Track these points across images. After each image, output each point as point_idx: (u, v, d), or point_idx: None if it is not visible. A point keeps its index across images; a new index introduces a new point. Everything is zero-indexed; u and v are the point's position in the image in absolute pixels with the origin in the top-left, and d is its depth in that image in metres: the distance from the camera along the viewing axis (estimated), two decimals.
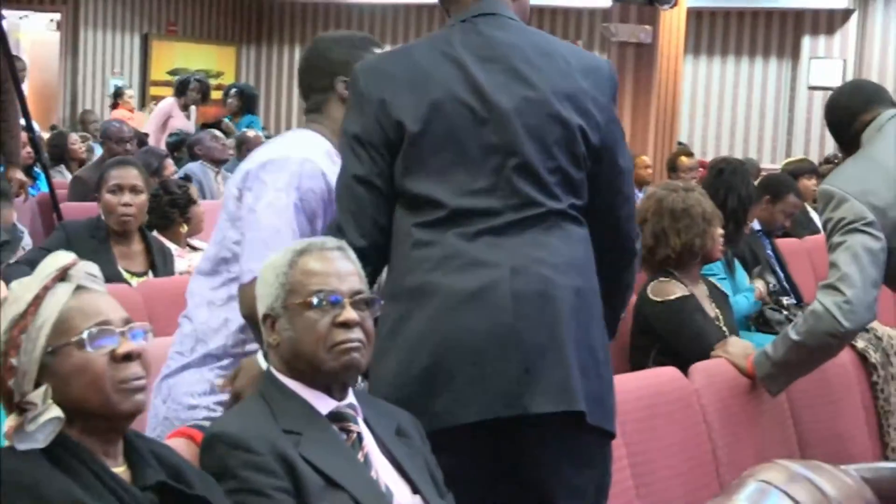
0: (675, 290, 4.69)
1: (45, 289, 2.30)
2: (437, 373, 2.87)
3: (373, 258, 2.98)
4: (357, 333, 2.72)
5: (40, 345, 2.27)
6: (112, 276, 5.09)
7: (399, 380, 2.91)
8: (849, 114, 4.17)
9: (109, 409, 2.29)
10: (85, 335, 2.28)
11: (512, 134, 2.93)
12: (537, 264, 2.90)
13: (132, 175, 5.49)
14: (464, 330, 2.86)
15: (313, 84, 3.36)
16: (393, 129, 2.95)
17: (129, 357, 2.30)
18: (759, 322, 6.16)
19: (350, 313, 2.71)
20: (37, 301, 2.29)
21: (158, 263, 5.50)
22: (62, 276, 2.33)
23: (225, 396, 3.08)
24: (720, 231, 4.89)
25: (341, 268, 2.77)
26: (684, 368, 4.18)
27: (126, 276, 5.38)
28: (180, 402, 3.19)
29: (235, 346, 3.24)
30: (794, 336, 3.92)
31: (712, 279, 5.28)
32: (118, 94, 14.21)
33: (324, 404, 2.72)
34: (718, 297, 4.99)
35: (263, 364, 2.89)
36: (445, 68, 2.97)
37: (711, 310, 4.83)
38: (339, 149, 3.07)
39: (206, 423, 2.76)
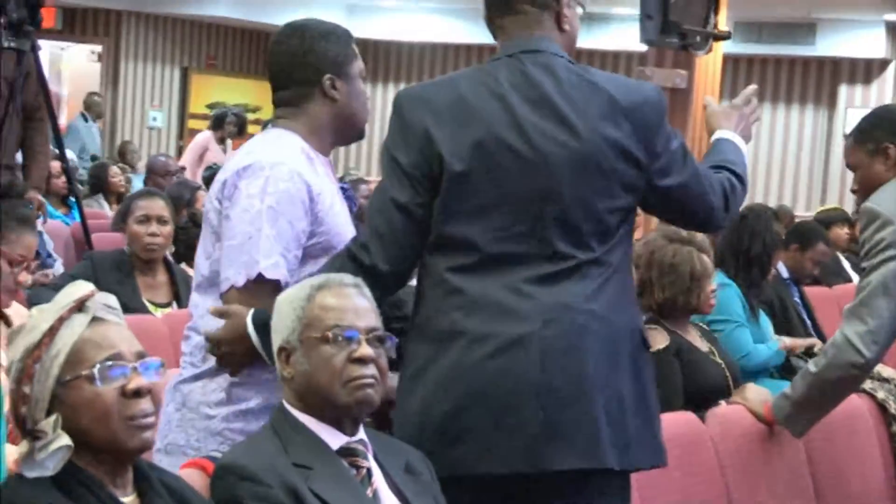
0: (658, 340, 4.74)
1: (61, 319, 2.33)
2: (458, 420, 2.88)
3: (391, 285, 3.00)
4: (372, 370, 2.75)
5: (53, 375, 2.30)
6: (137, 308, 5.15)
7: (421, 421, 2.93)
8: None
9: (116, 444, 2.32)
10: (96, 369, 2.30)
11: (552, 182, 2.90)
12: (567, 316, 2.88)
13: (159, 206, 5.57)
14: (489, 382, 2.86)
15: (295, 76, 3.22)
16: (436, 163, 2.92)
17: (138, 393, 2.32)
18: (784, 371, 6.16)
19: (366, 349, 2.75)
20: (52, 331, 2.32)
21: (182, 294, 5.55)
22: (79, 306, 2.35)
23: (241, 406, 3.07)
24: (712, 287, 4.91)
25: (358, 304, 2.81)
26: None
27: (151, 307, 5.43)
28: (197, 411, 3.15)
29: None
30: (813, 369, 3.89)
31: (716, 328, 5.32)
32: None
33: (335, 439, 2.75)
34: (710, 338, 5.04)
35: (251, 329, 2.91)
36: (491, 106, 2.93)
37: (704, 345, 4.88)
38: (381, 167, 3.03)
39: (219, 454, 2.78)
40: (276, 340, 2.81)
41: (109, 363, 2.31)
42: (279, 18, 17.47)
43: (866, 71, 16.02)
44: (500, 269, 2.90)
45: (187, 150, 13.17)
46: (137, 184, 10.63)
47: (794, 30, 15.77)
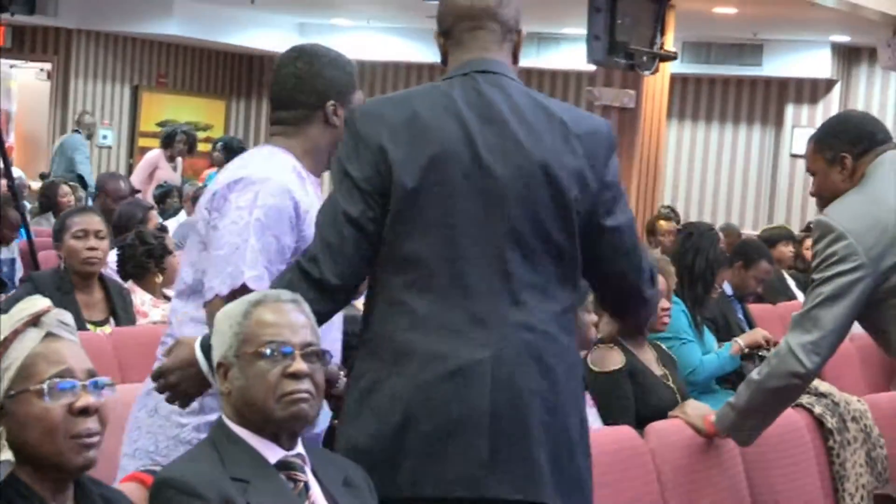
0: (614, 360, 4.83)
1: (16, 332, 2.34)
2: (405, 440, 2.88)
3: (341, 300, 3.00)
4: (306, 385, 2.78)
5: (2, 387, 2.30)
6: (78, 327, 5.15)
7: (369, 439, 2.92)
8: (858, 134, 3.96)
9: (60, 460, 2.33)
10: (45, 385, 2.31)
11: (506, 201, 2.90)
12: (522, 339, 2.89)
13: (96, 221, 5.63)
14: (439, 405, 2.86)
15: (298, 98, 3.28)
16: (389, 178, 2.89)
17: (86, 411, 2.34)
18: (739, 378, 6.21)
19: (300, 364, 2.78)
20: (5, 343, 2.32)
21: (119, 310, 5.57)
22: (34, 321, 2.36)
23: (211, 416, 3.06)
24: (665, 305, 4.98)
25: (294, 320, 2.83)
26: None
27: (89, 326, 5.44)
28: (168, 418, 3.17)
29: None
30: (755, 377, 3.91)
31: (663, 345, 5.38)
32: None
33: (272, 453, 2.77)
34: (667, 360, 5.12)
35: (199, 354, 2.92)
36: (446, 124, 2.92)
37: (659, 369, 4.96)
38: (332, 179, 3.01)
39: (158, 468, 2.81)
40: (215, 356, 2.84)
41: (58, 379, 2.32)
42: (230, 37, 17.53)
43: (812, 91, 16.19)
44: (452, 288, 2.89)
45: (137, 167, 13.16)
46: (89, 201, 10.62)
47: (741, 50, 15.93)
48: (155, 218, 8.17)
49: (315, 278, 2.91)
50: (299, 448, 2.82)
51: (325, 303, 2.93)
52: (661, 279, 4.81)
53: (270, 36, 17.91)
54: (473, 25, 3.04)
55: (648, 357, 4.98)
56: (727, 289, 7.20)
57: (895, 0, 11.69)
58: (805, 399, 4.79)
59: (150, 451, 3.17)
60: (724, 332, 6.72)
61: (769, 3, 12.24)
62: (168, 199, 10.75)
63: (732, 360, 6.10)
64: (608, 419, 4.72)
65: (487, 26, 3.04)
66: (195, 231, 3.27)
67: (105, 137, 17.38)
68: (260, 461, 2.75)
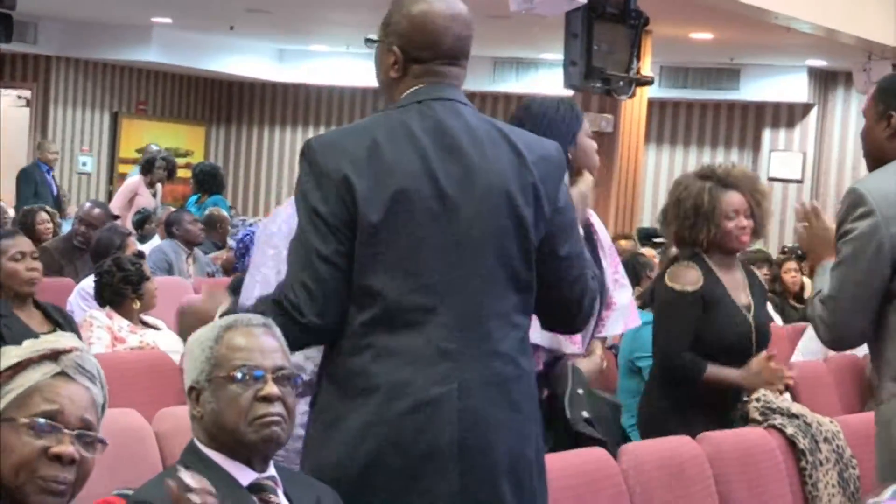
0: (689, 279, 4.86)
1: (30, 361, 2.34)
2: (372, 476, 2.87)
3: (326, 337, 2.97)
4: (278, 408, 2.81)
5: None
6: (30, 336, 5.13)
7: (335, 475, 2.90)
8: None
9: (23, 498, 2.31)
10: (30, 419, 2.30)
11: (467, 230, 2.90)
12: (487, 370, 2.89)
13: (27, 242, 5.69)
14: (405, 439, 2.84)
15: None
16: (355, 211, 2.86)
17: (59, 458, 2.32)
18: None
19: (272, 388, 2.80)
20: (17, 367, 2.32)
21: (59, 321, 5.57)
22: (54, 356, 2.36)
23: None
24: (738, 223, 4.88)
25: (265, 344, 2.86)
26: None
27: (40, 336, 5.43)
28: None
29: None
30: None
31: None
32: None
33: (244, 476, 2.79)
34: (758, 289, 5.08)
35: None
36: (408, 157, 2.89)
37: (745, 297, 4.96)
38: (298, 214, 2.96)
39: (130, 492, 2.83)
40: (187, 381, 2.86)
41: (43, 419, 2.31)
42: (209, 63, 17.58)
43: (790, 115, 16.30)
44: (417, 321, 2.87)
45: (117, 193, 13.15)
46: (67, 228, 10.61)
47: (718, 75, 16.03)
48: (133, 244, 8.18)
49: (302, 323, 2.90)
50: (271, 470, 2.85)
51: (317, 341, 2.98)
52: (691, 202, 4.87)
53: (249, 62, 17.97)
54: (450, 62, 3.03)
55: (736, 282, 4.96)
56: None
57: (870, 25, 11.78)
58: (777, 420, 4.83)
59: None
60: None
61: (746, 28, 12.32)
62: (146, 224, 10.77)
63: None
64: (664, 337, 4.87)
65: (461, 63, 3.05)
66: (273, 247, 3.31)
67: (84, 164, 17.40)
68: (232, 484, 2.77)
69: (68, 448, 2.33)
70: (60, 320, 5.59)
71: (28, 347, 2.36)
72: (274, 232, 3.50)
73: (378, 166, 2.88)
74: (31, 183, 13.51)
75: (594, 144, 4.09)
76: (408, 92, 3.02)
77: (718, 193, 4.87)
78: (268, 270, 3.42)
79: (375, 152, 2.90)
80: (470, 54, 3.07)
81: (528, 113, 4.10)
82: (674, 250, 5.08)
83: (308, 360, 3.25)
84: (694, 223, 4.88)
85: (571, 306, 3.11)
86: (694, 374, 4.79)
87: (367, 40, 3.15)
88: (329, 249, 2.88)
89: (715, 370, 4.80)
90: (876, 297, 3.62)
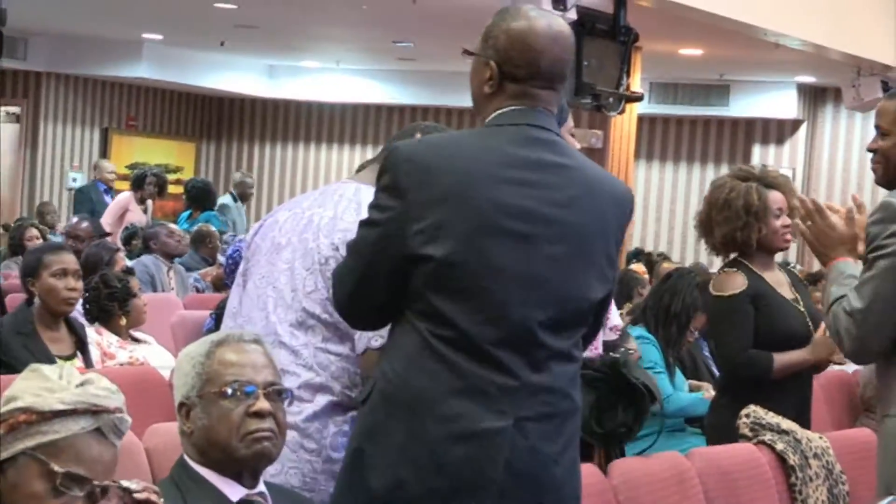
0: (735, 283, 4.91)
1: (74, 412, 2.28)
2: (410, 494, 2.80)
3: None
4: (269, 423, 2.81)
5: (26, 444, 2.26)
6: (47, 361, 5.16)
7: (375, 486, 2.81)
8: None
9: None
10: (59, 481, 2.24)
11: (545, 273, 2.85)
12: (540, 410, 2.84)
13: (73, 260, 5.63)
14: (450, 465, 2.78)
15: None
16: (419, 244, 2.80)
17: None
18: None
19: (263, 403, 2.81)
20: (58, 415, 2.27)
21: (82, 339, 5.58)
22: (95, 411, 2.30)
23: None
24: (782, 222, 4.93)
25: (257, 360, 2.87)
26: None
27: (58, 360, 5.45)
28: (319, 454, 3.23)
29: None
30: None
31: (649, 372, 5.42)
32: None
33: (234, 492, 2.80)
34: (799, 285, 5.15)
35: None
36: (491, 187, 2.82)
37: (790, 293, 5.01)
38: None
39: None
40: (177, 396, 2.87)
41: (69, 484, 2.25)
42: (199, 79, 17.59)
43: (779, 131, 16.34)
44: (479, 353, 2.80)
45: (108, 210, 13.15)
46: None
47: (708, 91, 16.07)
48: (122, 260, 8.16)
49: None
50: (261, 486, 2.85)
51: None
52: (740, 202, 4.90)
53: (240, 78, 17.98)
54: (547, 85, 2.93)
55: (779, 279, 5.00)
56: None
57: (859, 41, 11.82)
58: (767, 436, 4.83)
59: (296, 486, 3.16)
60: (692, 371, 6.78)
61: (735, 44, 12.36)
62: (133, 240, 10.74)
63: (703, 402, 6.13)
64: (724, 343, 4.93)
65: (557, 87, 2.96)
66: (319, 263, 3.28)
67: (74, 180, 17.38)
68: (222, 500, 2.78)
69: None
70: (83, 338, 5.58)
71: (80, 395, 2.29)
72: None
73: (460, 196, 2.81)
74: (87, 202, 13.51)
75: (576, 144, 4.12)
76: (501, 111, 2.94)
77: (764, 192, 4.93)
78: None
79: (461, 180, 2.82)
80: (566, 78, 2.99)
81: None
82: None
83: (335, 381, 3.24)
84: (746, 223, 4.91)
85: (594, 336, 3.23)
86: (764, 367, 4.85)
87: (465, 52, 3.04)
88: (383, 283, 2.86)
89: (781, 357, 4.88)
90: None
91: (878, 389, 3.86)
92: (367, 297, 2.88)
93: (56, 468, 2.24)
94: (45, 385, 2.29)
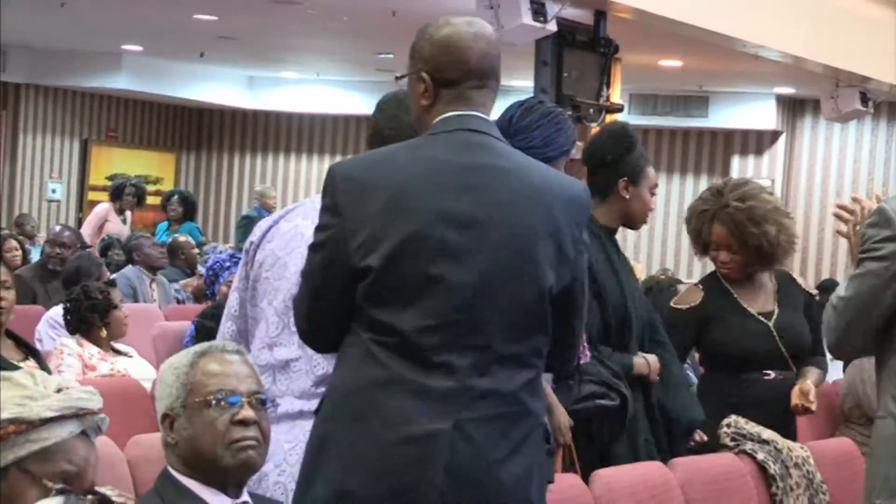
0: (689, 299, 5.09)
1: (62, 418, 2.33)
2: (357, 500, 2.81)
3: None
4: (254, 432, 2.83)
5: (17, 453, 2.30)
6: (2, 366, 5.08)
7: (326, 496, 2.84)
8: None
9: None
10: (54, 485, 2.30)
11: (485, 276, 2.83)
12: (485, 414, 2.83)
13: (1, 271, 5.49)
14: (392, 471, 2.79)
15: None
16: (359, 258, 2.82)
17: None
18: None
19: (248, 412, 2.83)
20: (47, 422, 2.31)
21: (30, 349, 5.50)
22: (80, 415, 2.36)
23: None
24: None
25: (239, 370, 2.88)
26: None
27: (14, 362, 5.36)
28: None
29: None
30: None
31: None
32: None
33: (219, 502, 2.81)
34: (790, 296, 5.21)
35: None
36: (426, 195, 2.84)
37: (769, 304, 5.13)
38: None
39: None
40: (160, 408, 2.87)
41: (62, 486, 2.31)
42: (179, 91, 17.57)
43: (758, 142, 16.40)
44: (423, 355, 2.81)
45: (86, 220, 13.14)
46: (36, 255, 10.59)
47: (687, 102, 16.12)
48: (106, 274, 8.16)
49: None
50: (245, 497, 2.86)
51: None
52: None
53: (220, 89, 17.97)
54: (480, 84, 2.96)
55: (759, 288, 5.13)
56: None
57: (838, 53, 11.87)
58: (748, 445, 4.85)
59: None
60: None
61: (714, 56, 12.40)
62: (110, 251, 10.71)
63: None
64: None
65: (490, 84, 2.97)
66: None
67: (54, 191, 17.35)
68: None
69: None
70: (29, 345, 5.52)
71: (63, 402, 2.33)
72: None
73: (394, 207, 2.83)
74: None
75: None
76: (437, 119, 2.95)
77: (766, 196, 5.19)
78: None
79: (394, 191, 2.84)
80: (498, 77, 2.99)
81: (542, 105, 4.17)
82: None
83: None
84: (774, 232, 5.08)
85: (575, 347, 3.12)
86: None
87: (397, 78, 3.08)
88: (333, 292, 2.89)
89: None
90: (884, 316, 3.63)
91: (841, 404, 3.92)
92: (323, 320, 2.92)
93: (49, 484, 2.29)
94: (24, 393, 2.31)
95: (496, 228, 2.85)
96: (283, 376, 3.28)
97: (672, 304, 5.14)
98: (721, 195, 5.12)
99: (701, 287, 5.12)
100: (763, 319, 5.05)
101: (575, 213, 2.95)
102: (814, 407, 5.06)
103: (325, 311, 2.90)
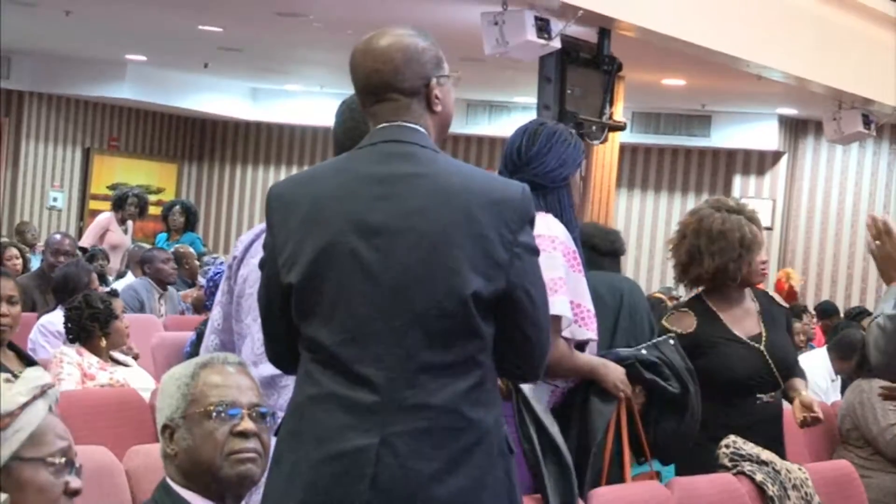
0: (687, 324, 4.96)
1: (34, 399, 2.36)
2: None
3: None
4: (254, 443, 2.83)
5: (10, 447, 2.32)
6: None
7: None
8: None
9: None
10: (57, 459, 2.36)
11: (398, 285, 2.79)
12: (413, 427, 2.77)
13: (9, 286, 5.47)
14: (322, 487, 2.77)
15: None
16: (284, 275, 2.85)
17: (76, 493, 2.39)
18: None
19: (248, 423, 2.83)
20: (24, 407, 2.35)
21: (31, 361, 5.49)
22: (42, 392, 2.39)
23: None
24: (762, 258, 5.00)
25: (241, 382, 2.89)
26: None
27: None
28: None
29: None
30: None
31: None
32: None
33: None
34: (770, 317, 5.14)
35: None
36: (338, 207, 2.84)
37: (756, 327, 5.06)
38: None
39: None
40: (161, 418, 2.87)
41: (64, 459, 2.38)
42: (182, 101, 17.59)
43: (760, 162, 16.41)
44: (349, 371, 2.79)
45: (88, 230, 13.12)
46: (36, 264, 10.58)
47: (689, 121, 16.14)
48: (94, 281, 8.06)
49: None
50: None
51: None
52: (737, 234, 4.91)
53: (223, 100, 17.99)
54: (376, 99, 2.95)
55: (744, 313, 5.07)
56: None
57: (841, 74, 11.89)
58: (746, 466, 4.84)
59: None
60: None
61: (717, 75, 12.42)
62: (94, 261, 10.64)
63: None
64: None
65: (388, 97, 2.94)
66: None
67: (55, 200, 17.35)
68: None
69: (79, 483, 2.40)
70: (33, 361, 5.51)
71: (27, 385, 2.38)
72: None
73: (310, 221, 2.85)
74: None
75: (579, 183, 4.18)
76: (370, 132, 2.97)
77: (753, 227, 5.00)
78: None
79: (312, 206, 2.87)
80: (402, 87, 2.94)
81: (545, 127, 4.18)
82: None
83: None
84: (739, 255, 4.95)
85: (532, 355, 2.94)
86: None
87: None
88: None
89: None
90: None
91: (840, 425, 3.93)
92: (275, 339, 2.95)
93: (50, 459, 2.34)
94: None
95: (407, 236, 2.81)
96: (271, 391, 3.30)
97: (668, 326, 4.99)
98: (730, 204, 5.07)
99: (691, 312, 5.04)
100: (753, 343, 5.02)
101: (504, 215, 2.84)
102: (821, 416, 5.02)
103: (274, 330, 2.94)
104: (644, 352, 4.35)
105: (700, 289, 5.12)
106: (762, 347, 5.02)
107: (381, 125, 2.94)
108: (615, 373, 4.18)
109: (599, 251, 5.11)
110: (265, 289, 2.93)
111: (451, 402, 2.80)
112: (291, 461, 2.81)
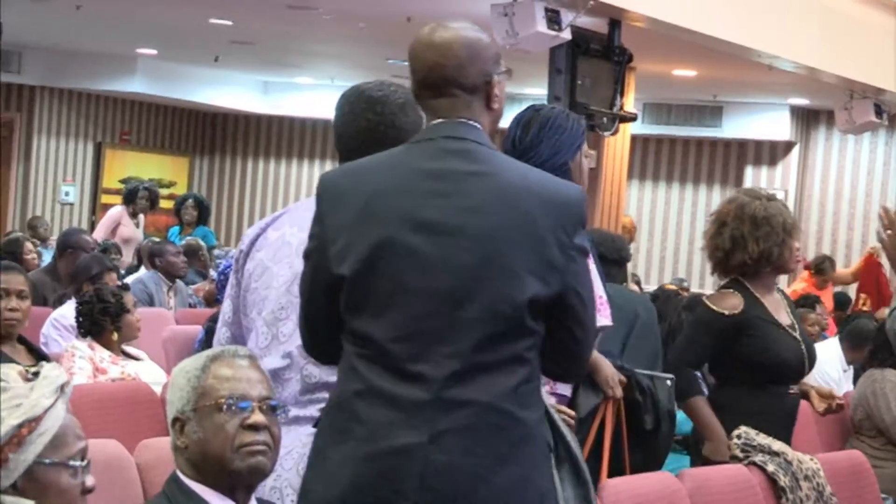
0: (731, 304, 4.94)
1: (57, 400, 2.38)
2: None
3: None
4: (264, 436, 2.83)
5: (35, 451, 2.33)
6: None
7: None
8: None
9: None
10: (78, 463, 2.38)
11: (456, 283, 2.77)
12: (462, 424, 2.76)
13: (19, 280, 5.43)
14: (369, 484, 2.75)
15: None
16: (336, 266, 2.82)
17: (90, 491, 2.41)
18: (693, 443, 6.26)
19: (258, 416, 2.83)
20: (48, 410, 2.35)
21: (41, 354, 5.49)
22: (62, 390, 2.40)
23: None
24: (797, 244, 5.05)
25: (251, 375, 2.89)
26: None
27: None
28: None
29: None
30: None
31: None
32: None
33: None
34: (794, 308, 5.21)
35: None
36: (395, 202, 2.81)
37: (788, 317, 5.07)
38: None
39: None
40: (171, 411, 2.87)
41: (83, 462, 2.39)
42: (194, 95, 17.60)
43: (771, 153, 16.38)
44: (398, 367, 2.77)
45: (100, 224, 13.14)
46: (48, 258, 10.60)
47: (701, 112, 16.12)
48: (113, 276, 8.10)
49: None
50: (253, 502, 2.86)
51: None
52: (780, 219, 4.95)
53: (234, 94, 17.99)
54: (434, 94, 2.90)
55: (777, 303, 5.06)
56: None
57: (852, 64, 11.86)
58: (758, 458, 4.84)
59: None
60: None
61: (728, 66, 12.39)
62: (106, 255, 10.65)
63: (688, 421, 6.13)
64: (675, 346, 5.10)
65: (448, 93, 2.90)
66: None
67: (67, 194, 17.38)
68: None
69: (93, 481, 2.42)
70: (45, 356, 5.51)
71: (49, 387, 2.38)
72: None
73: (365, 214, 2.82)
74: None
75: (587, 166, 4.15)
76: (427, 125, 2.94)
77: (791, 213, 5.06)
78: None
79: (367, 199, 2.83)
80: (465, 83, 2.89)
81: (539, 114, 4.15)
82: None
83: None
84: (783, 240, 4.97)
85: (579, 356, 2.96)
86: (685, 392, 4.84)
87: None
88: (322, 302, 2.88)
89: (701, 404, 4.87)
90: None
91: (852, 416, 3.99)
92: (316, 330, 2.91)
93: (73, 463, 2.35)
94: (9, 395, 2.35)
95: (464, 234, 2.79)
96: (275, 385, 3.29)
97: (712, 305, 4.95)
98: (763, 194, 5.10)
99: (734, 292, 4.99)
100: (792, 332, 5.02)
101: (562, 217, 2.82)
102: (843, 402, 5.04)
103: (316, 320, 2.89)
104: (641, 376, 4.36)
105: (727, 279, 5.11)
106: (798, 336, 5.02)
107: (438, 120, 2.90)
108: (610, 370, 4.18)
109: (606, 259, 5.12)
110: (310, 278, 2.87)
111: (499, 399, 2.79)
112: (335, 457, 2.78)
